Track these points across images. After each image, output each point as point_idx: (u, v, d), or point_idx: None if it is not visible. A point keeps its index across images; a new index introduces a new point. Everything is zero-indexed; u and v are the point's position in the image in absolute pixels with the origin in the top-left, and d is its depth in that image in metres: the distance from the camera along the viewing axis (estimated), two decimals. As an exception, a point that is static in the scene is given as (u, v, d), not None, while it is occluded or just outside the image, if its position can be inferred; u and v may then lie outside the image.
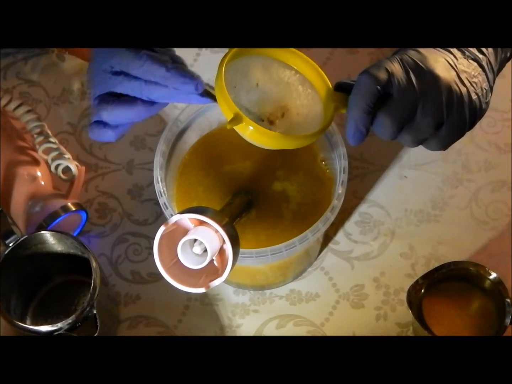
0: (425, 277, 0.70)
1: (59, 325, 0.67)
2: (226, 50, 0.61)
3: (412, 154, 0.84)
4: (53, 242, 0.73)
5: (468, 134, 0.82)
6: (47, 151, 0.81)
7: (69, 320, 0.68)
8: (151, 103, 0.62)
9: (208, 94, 0.61)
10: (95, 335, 0.68)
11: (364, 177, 0.83)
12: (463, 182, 0.82)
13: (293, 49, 0.64)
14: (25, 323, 0.73)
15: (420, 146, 0.61)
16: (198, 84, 0.60)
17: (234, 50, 0.61)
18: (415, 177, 0.83)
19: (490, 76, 0.62)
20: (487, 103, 0.61)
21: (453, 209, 0.81)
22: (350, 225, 0.81)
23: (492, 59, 0.62)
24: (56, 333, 0.67)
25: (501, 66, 0.66)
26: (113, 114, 0.63)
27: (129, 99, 0.62)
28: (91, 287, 0.69)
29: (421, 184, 0.82)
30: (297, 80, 0.64)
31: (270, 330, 0.76)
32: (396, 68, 0.58)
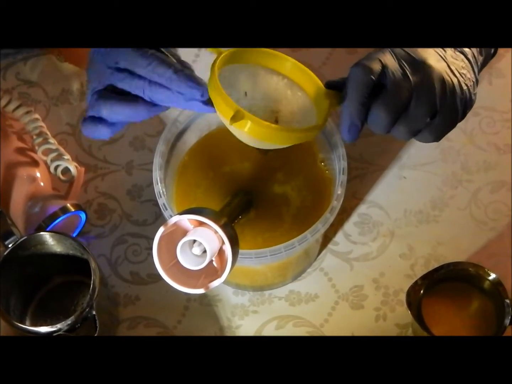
0: (424, 277, 0.70)
1: (59, 326, 0.67)
2: (226, 50, 0.61)
3: (412, 154, 0.83)
4: (52, 243, 0.73)
5: (467, 134, 0.84)
6: (46, 152, 0.80)
7: (69, 321, 0.67)
8: (153, 104, 0.62)
9: (212, 102, 0.59)
10: (95, 335, 0.68)
11: (363, 177, 0.83)
12: (463, 183, 0.82)
13: (278, 53, 0.63)
14: (25, 324, 0.73)
15: (419, 145, 0.61)
16: (204, 90, 0.59)
17: (223, 55, 0.60)
18: (414, 177, 0.83)
19: (476, 69, 0.63)
20: (475, 95, 0.62)
21: (453, 209, 0.81)
22: (349, 226, 0.81)
23: (475, 53, 0.63)
24: (55, 334, 0.67)
25: (486, 62, 0.66)
26: (112, 111, 0.62)
27: (130, 98, 0.62)
28: (91, 288, 0.69)
29: (420, 184, 0.82)
30: (285, 85, 0.63)
31: (270, 331, 0.76)
32: (388, 59, 0.58)
